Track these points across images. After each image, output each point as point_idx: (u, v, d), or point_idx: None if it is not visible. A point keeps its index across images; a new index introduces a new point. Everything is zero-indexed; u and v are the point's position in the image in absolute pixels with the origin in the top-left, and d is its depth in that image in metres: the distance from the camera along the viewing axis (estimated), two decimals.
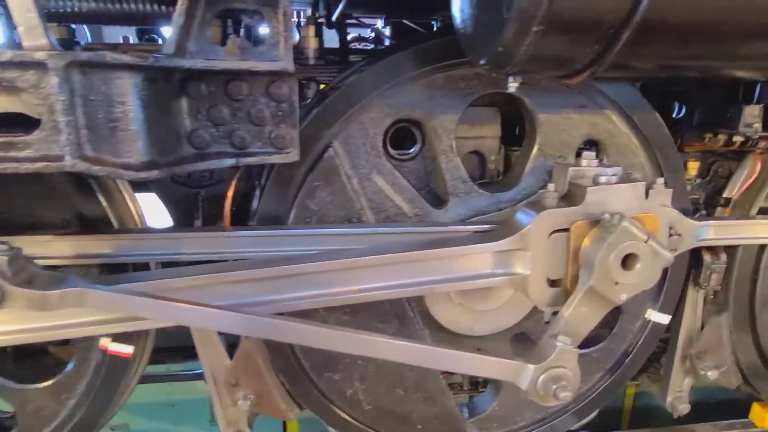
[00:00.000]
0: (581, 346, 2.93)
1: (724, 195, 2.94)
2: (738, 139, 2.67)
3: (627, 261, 2.10)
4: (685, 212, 2.72)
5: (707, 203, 3.01)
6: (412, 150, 2.61)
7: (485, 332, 2.73)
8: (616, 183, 2.17)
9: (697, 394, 3.53)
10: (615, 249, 2.04)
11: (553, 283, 2.24)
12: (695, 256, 2.88)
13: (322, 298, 2.05)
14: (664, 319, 2.93)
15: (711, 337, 3.05)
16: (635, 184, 2.16)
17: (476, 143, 2.76)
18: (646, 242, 2.06)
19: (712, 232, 2.56)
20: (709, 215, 2.98)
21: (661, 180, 2.46)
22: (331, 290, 2.07)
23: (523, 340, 2.84)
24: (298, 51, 2.53)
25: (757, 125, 2.61)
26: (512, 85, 1.91)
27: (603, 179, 2.16)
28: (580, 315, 2.14)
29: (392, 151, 2.59)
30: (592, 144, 2.64)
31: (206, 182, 2.55)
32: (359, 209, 2.44)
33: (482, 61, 1.82)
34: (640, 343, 2.96)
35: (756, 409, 3.45)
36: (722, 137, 2.74)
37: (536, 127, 2.52)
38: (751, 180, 2.85)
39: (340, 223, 2.43)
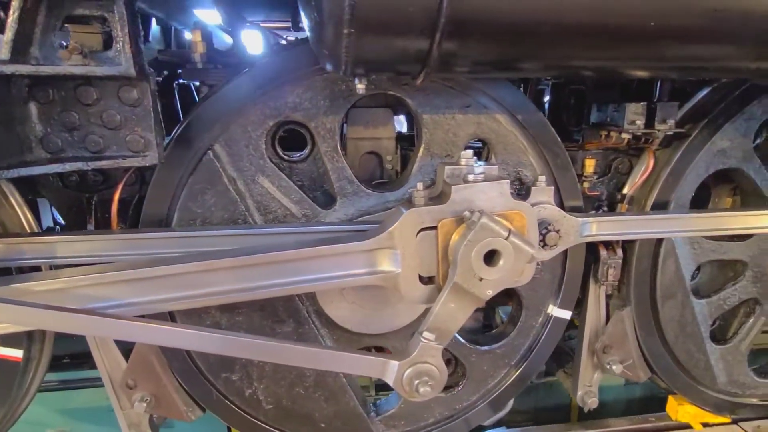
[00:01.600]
0: (487, 343, 3.03)
1: (623, 191, 2.99)
2: (625, 136, 2.73)
3: (491, 257, 2.14)
4: (577, 209, 2.78)
5: (609, 199, 3.06)
6: (303, 152, 2.65)
7: (383, 330, 2.76)
8: (482, 181, 2.21)
9: None
10: (476, 245, 2.08)
11: (425, 280, 2.28)
12: (594, 252, 2.93)
13: (185, 300, 2.07)
14: (565, 314, 2.97)
15: (615, 331, 3.09)
16: (500, 182, 2.19)
17: (372, 144, 2.80)
18: (507, 238, 2.10)
19: (595, 228, 2.60)
20: (612, 211, 3.04)
21: (542, 178, 2.52)
22: (194, 292, 2.10)
23: None
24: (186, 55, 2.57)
25: (640, 122, 2.66)
26: (359, 87, 1.95)
27: (470, 177, 2.20)
28: (449, 311, 2.18)
29: (282, 153, 2.63)
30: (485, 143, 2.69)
31: (99, 186, 2.58)
32: (244, 211, 2.47)
33: (327, 66, 1.86)
34: (543, 338, 3.00)
35: (671, 402, 3.50)
36: (614, 135, 2.80)
37: (421, 128, 2.56)
38: (645, 176, 2.90)
39: (225, 224, 2.46)
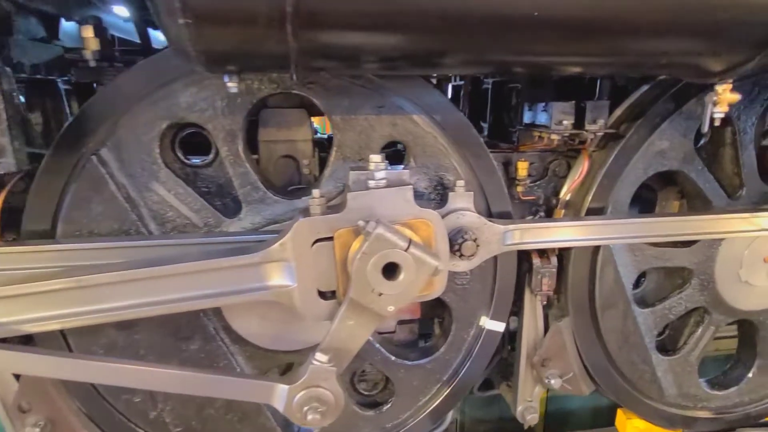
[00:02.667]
0: (417, 357, 2.86)
1: (560, 195, 2.82)
2: (554, 137, 2.56)
3: (393, 270, 1.96)
4: (506, 215, 2.61)
5: (546, 204, 2.89)
6: (208, 156, 2.47)
7: (298, 346, 2.58)
8: (384, 187, 2.03)
9: None
10: (371, 257, 1.91)
11: (327, 295, 2.10)
12: (528, 260, 2.76)
13: (53, 319, 1.89)
14: (498, 326, 2.80)
15: (553, 343, 2.92)
16: (402, 188, 2.01)
17: (288, 147, 2.62)
18: (406, 250, 1.92)
19: (518, 236, 2.43)
20: (549, 216, 2.88)
21: (461, 182, 2.35)
22: (69, 310, 1.91)
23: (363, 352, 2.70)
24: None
25: (567, 122, 2.49)
26: (231, 86, 1.77)
27: (371, 183, 2.03)
28: (347, 329, 2.00)
29: (185, 158, 2.45)
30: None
31: None
32: (136, 220, 2.29)
33: (188, 62, 1.67)
34: (476, 351, 2.82)
35: (620, 416, 3.33)
36: (544, 136, 2.63)
37: (333, 129, 2.38)
38: (580, 179, 2.73)
39: (115, 235, 2.28)
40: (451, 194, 2.33)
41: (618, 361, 2.99)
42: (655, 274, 3.12)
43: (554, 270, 2.72)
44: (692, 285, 2.94)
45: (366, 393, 2.99)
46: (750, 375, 3.24)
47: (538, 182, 2.87)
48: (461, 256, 2.30)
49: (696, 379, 3.18)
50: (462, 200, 2.33)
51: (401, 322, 3.09)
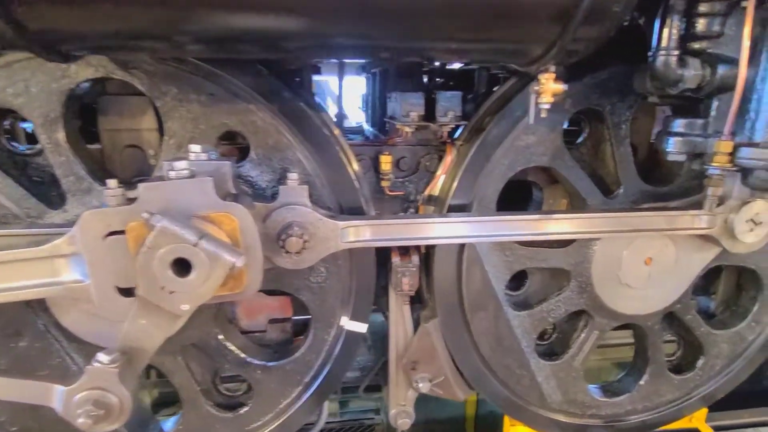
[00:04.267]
0: (277, 357, 2.74)
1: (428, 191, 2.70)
2: (408, 129, 2.44)
3: (184, 266, 1.84)
4: (357, 211, 2.49)
5: (416, 200, 2.77)
6: (37, 144, 2.35)
7: None
8: (186, 178, 1.91)
9: None
10: (156, 252, 1.79)
11: (127, 291, 1.99)
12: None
13: None
14: (360, 327, 2.68)
15: (421, 345, 2.81)
16: (201, 180, 1.89)
17: (132, 136, 2.51)
18: (195, 245, 1.80)
19: (357, 233, 2.30)
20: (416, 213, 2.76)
21: (293, 175, 2.23)
22: None
23: (212, 352, 2.60)
24: None
25: (415, 114, 2.37)
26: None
27: (172, 174, 1.91)
28: (140, 329, 1.89)
29: (10, 144, 2.34)
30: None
31: None
32: None
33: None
34: (337, 353, 2.71)
35: (506, 422, 3.22)
36: (402, 128, 2.51)
37: (163, 117, 2.27)
38: (442, 174, 2.61)
39: None
40: (282, 188, 2.21)
41: (493, 365, 2.87)
42: (538, 275, 2.99)
43: (414, 269, 2.60)
44: (570, 287, 2.81)
45: (228, 394, 2.87)
46: (642, 382, 3.11)
47: (409, 177, 2.76)
48: (287, 252, 2.18)
49: (583, 385, 3.05)
50: (294, 194, 2.21)
51: (273, 321, 2.98)
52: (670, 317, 3.03)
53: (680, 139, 2.00)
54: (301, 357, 2.70)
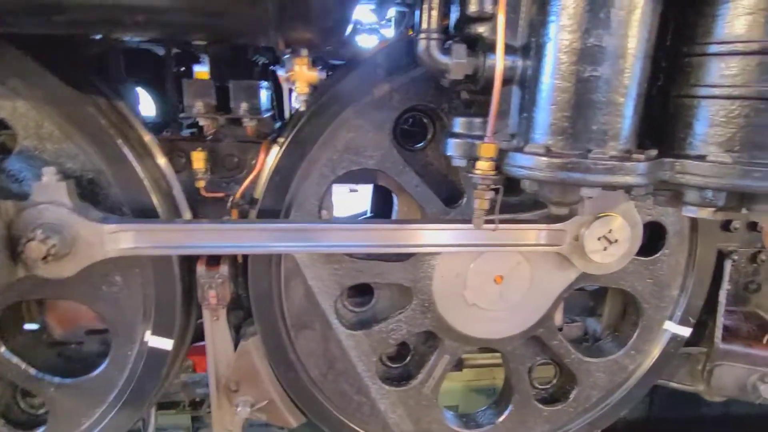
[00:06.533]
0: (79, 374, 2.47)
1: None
2: (205, 122, 2.15)
3: None
4: (149, 213, 2.21)
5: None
6: None
7: None
8: None
9: None
10: None
11: None
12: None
13: None
14: (165, 343, 2.40)
15: (242, 365, 2.52)
16: None
17: None
18: None
19: (131, 239, 2.01)
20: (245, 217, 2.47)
21: (49, 170, 1.96)
22: None
23: None
24: None
25: (201, 105, 2.08)
26: None
27: None
28: None
29: None
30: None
31: None
32: None
33: None
34: (141, 371, 2.42)
35: None
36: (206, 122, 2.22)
37: None
38: (252, 175, 2.32)
39: None
40: (35, 185, 1.94)
41: (325, 390, 2.57)
42: (387, 291, 2.68)
43: (222, 280, 2.31)
44: (413, 306, 2.51)
45: (30, 412, 2.61)
46: (506, 413, 2.79)
47: (237, 177, 2.47)
48: (27, 259, 1.90)
49: (438, 414, 2.74)
50: (50, 192, 1.94)
51: (90, 332, 2.70)
52: (539, 342, 2.72)
53: (459, 141, 1.70)
54: (102, 374, 2.42)
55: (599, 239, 2.28)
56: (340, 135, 2.24)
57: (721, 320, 2.83)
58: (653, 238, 2.66)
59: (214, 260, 2.36)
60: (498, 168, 1.57)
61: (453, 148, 1.70)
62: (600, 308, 3.04)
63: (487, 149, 1.53)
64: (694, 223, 2.59)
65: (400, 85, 2.19)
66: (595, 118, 1.41)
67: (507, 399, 2.82)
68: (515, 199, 2.42)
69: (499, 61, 1.46)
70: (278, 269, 2.36)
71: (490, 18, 1.52)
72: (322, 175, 2.29)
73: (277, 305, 2.41)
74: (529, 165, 1.46)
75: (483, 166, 1.55)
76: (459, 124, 1.73)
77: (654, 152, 1.48)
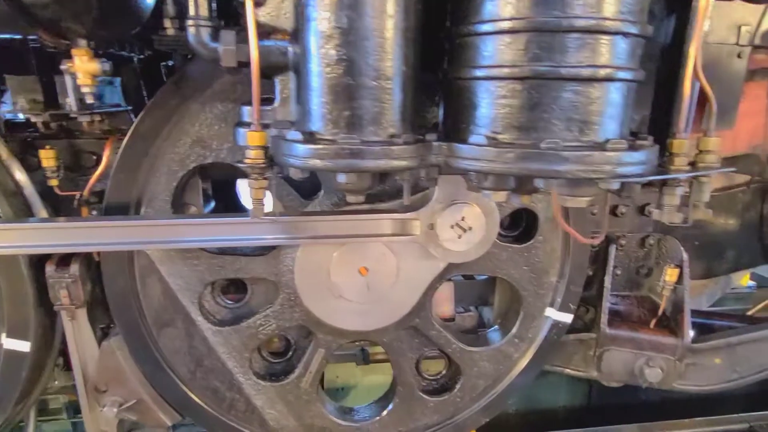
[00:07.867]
0: None
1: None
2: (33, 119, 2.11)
3: None
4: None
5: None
6: None
7: None
8: None
9: None
10: None
11: None
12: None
13: None
14: (21, 345, 2.36)
15: (107, 364, 2.48)
16: None
17: None
18: None
19: None
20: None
21: None
22: None
23: None
24: None
25: (25, 100, 2.04)
26: None
27: None
28: None
29: None
30: None
31: None
32: None
33: None
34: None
35: None
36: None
37: None
38: (99, 172, 2.28)
39: None
40: None
41: (195, 388, 2.54)
42: (262, 286, 2.65)
43: (72, 280, 2.27)
44: (280, 300, 2.48)
45: None
46: (391, 405, 2.77)
47: (87, 175, 2.43)
48: None
49: (319, 408, 2.71)
50: None
51: None
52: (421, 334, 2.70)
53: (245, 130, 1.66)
54: None
55: (452, 227, 2.26)
56: (189, 128, 2.20)
57: (606, 305, 2.83)
58: (530, 224, 2.65)
59: (64, 259, 2.31)
60: (270, 157, 1.54)
61: (243, 137, 1.66)
62: (491, 297, 3.03)
63: (253, 137, 1.49)
64: (565, 208, 2.57)
65: (244, 76, 2.15)
66: (351, 103, 1.38)
67: (393, 391, 2.80)
68: (377, 189, 2.40)
69: (253, 49, 1.43)
70: (132, 267, 2.33)
71: (263, 3, 1.49)
72: (171, 170, 2.25)
73: (135, 304, 2.38)
74: (296, 154, 1.42)
75: (252, 155, 1.52)
76: (245, 112, 1.70)
77: (421, 137, 1.45)
